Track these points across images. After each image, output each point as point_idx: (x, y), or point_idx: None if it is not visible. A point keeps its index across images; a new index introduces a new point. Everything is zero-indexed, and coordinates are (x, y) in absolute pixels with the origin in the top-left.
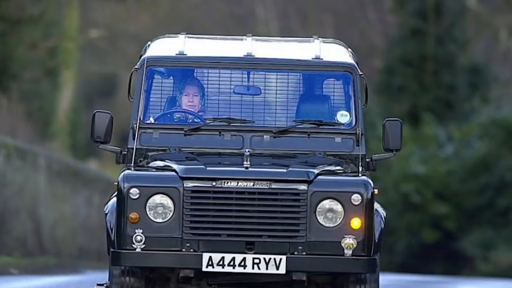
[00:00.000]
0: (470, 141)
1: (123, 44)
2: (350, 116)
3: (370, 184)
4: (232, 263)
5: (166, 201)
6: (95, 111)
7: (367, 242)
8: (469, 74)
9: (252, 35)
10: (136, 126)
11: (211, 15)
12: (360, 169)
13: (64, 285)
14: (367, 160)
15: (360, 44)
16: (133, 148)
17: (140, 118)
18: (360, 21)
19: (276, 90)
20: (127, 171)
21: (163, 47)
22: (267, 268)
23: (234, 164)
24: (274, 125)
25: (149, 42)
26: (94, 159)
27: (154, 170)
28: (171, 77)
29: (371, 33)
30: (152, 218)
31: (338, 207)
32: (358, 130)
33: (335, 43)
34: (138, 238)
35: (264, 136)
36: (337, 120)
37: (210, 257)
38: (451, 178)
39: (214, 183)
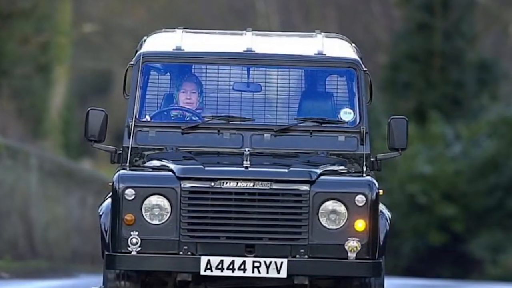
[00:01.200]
0: (478, 139)
1: (118, 39)
2: (354, 114)
3: (375, 184)
4: (231, 267)
5: (163, 202)
6: (89, 108)
7: (372, 245)
8: (478, 70)
9: (252, 30)
10: (132, 124)
11: (210, 8)
12: (365, 169)
13: None
14: (372, 159)
15: (365, 39)
16: (128, 147)
17: (135, 116)
18: (364, 15)
19: (277, 87)
20: (122, 171)
21: (159, 42)
22: (267, 272)
23: (234, 164)
24: (275, 123)
25: (145, 37)
26: (88, 159)
27: (150, 170)
28: (168, 74)
29: (375, 28)
30: (148, 220)
31: (341, 208)
32: (362, 128)
33: (339, 38)
34: (134, 240)
35: (265, 135)
36: (341, 118)
37: (209, 260)
38: (459, 178)
39: (212, 184)
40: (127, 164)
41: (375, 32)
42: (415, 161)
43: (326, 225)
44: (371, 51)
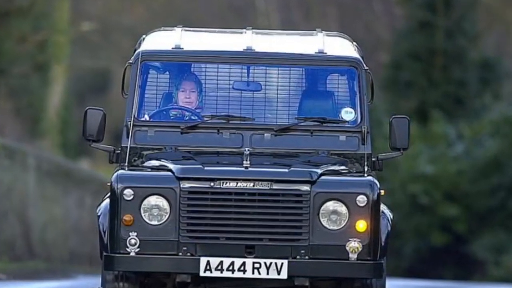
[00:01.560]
0: (481, 139)
1: (116, 37)
2: (355, 113)
3: (376, 184)
4: (231, 268)
5: (162, 202)
6: (87, 108)
7: (373, 246)
8: (480, 69)
9: (252, 28)
10: (130, 124)
11: (209, 7)
12: (366, 169)
13: None
14: (373, 159)
15: (366, 37)
16: (127, 147)
17: (134, 115)
18: (365, 13)
19: (278, 86)
20: (120, 171)
21: (158, 40)
22: (268, 273)
23: (233, 164)
24: (275, 123)
25: (144, 36)
26: (86, 159)
27: (149, 170)
28: (167, 72)
29: (377, 26)
30: (147, 221)
31: (342, 208)
32: (364, 128)
33: (339, 36)
34: (132, 241)
35: (265, 134)
36: (342, 118)
37: (208, 261)
38: (461, 179)
39: (212, 184)
40: (126, 164)
41: (377, 30)
42: (417, 161)
43: (327, 226)
44: (372, 49)
